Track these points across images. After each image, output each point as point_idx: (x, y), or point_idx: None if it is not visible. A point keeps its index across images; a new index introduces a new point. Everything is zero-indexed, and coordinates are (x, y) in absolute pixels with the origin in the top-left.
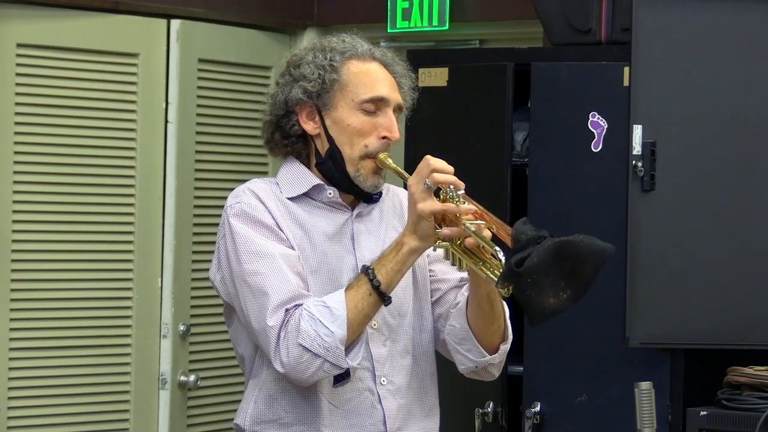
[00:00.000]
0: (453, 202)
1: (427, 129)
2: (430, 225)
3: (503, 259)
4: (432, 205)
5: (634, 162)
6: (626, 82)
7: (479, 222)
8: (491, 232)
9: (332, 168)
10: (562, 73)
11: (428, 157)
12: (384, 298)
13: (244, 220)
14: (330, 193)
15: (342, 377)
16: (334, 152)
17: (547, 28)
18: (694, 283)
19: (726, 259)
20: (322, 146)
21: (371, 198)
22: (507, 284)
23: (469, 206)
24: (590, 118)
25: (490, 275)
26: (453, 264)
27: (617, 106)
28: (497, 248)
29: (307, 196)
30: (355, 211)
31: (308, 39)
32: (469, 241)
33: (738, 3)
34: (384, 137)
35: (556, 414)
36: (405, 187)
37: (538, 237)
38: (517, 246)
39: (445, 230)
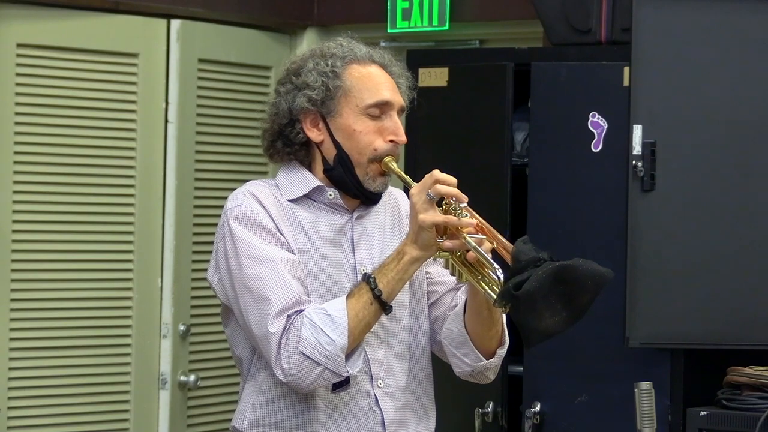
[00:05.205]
0: (455, 215)
1: (427, 129)
2: (432, 236)
3: (502, 276)
4: (433, 216)
5: (634, 162)
6: (626, 82)
7: (480, 236)
8: (492, 245)
9: (342, 173)
10: (562, 73)
11: (435, 170)
12: (385, 308)
13: (244, 224)
14: (330, 195)
15: (341, 384)
16: (343, 158)
17: (547, 28)
18: (694, 283)
19: (726, 259)
20: (328, 153)
21: (376, 200)
22: (505, 303)
23: (471, 220)
24: (590, 118)
25: (488, 291)
26: (452, 274)
27: (617, 106)
28: (496, 266)
29: (308, 197)
30: (355, 214)
31: (308, 39)
32: (470, 255)
33: (738, 3)
34: (391, 141)
35: (556, 414)
36: (404, 190)
37: (538, 259)
38: (517, 266)
39: (447, 242)
